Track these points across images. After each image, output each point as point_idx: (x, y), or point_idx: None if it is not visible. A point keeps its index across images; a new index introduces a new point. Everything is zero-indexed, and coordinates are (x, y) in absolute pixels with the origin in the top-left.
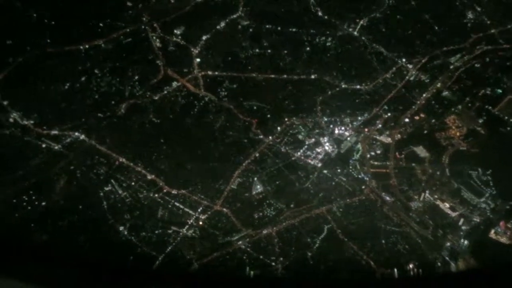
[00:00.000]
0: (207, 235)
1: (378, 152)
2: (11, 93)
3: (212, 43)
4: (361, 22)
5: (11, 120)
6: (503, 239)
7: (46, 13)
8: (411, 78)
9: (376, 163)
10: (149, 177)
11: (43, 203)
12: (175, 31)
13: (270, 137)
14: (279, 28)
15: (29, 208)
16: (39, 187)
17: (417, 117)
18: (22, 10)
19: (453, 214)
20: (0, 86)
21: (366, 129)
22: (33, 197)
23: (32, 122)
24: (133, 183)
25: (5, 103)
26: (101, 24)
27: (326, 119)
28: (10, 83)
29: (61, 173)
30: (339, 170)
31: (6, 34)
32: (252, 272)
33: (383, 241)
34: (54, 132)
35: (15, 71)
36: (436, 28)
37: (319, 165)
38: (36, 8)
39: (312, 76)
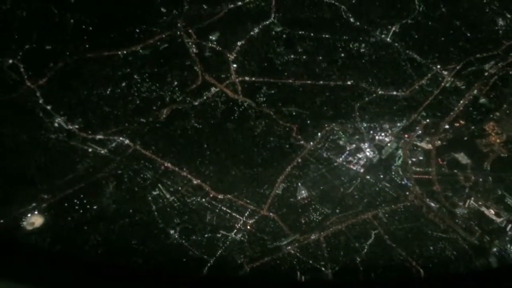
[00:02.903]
0: (255, 239)
1: (420, 158)
2: (54, 97)
3: (247, 49)
4: (393, 29)
5: (56, 124)
6: None
7: (82, 19)
8: (447, 85)
9: (418, 169)
10: (195, 182)
11: (95, 207)
12: (210, 37)
13: (311, 143)
14: (312, 34)
15: (81, 211)
16: (89, 191)
17: (456, 124)
18: (59, 15)
19: (499, 220)
20: (43, 91)
21: (406, 135)
22: (84, 201)
23: (76, 126)
24: (180, 188)
25: (49, 107)
26: (137, 30)
27: (365, 125)
28: (53, 88)
29: (109, 177)
30: (381, 176)
31: (45, 40)
32: (303, 277)
33: (431, 248)
34: (99, 136)
35: (57, 76)
36: (468, 34)
37: (362, 170)
38: (72, 14)
39: (348, 82)
